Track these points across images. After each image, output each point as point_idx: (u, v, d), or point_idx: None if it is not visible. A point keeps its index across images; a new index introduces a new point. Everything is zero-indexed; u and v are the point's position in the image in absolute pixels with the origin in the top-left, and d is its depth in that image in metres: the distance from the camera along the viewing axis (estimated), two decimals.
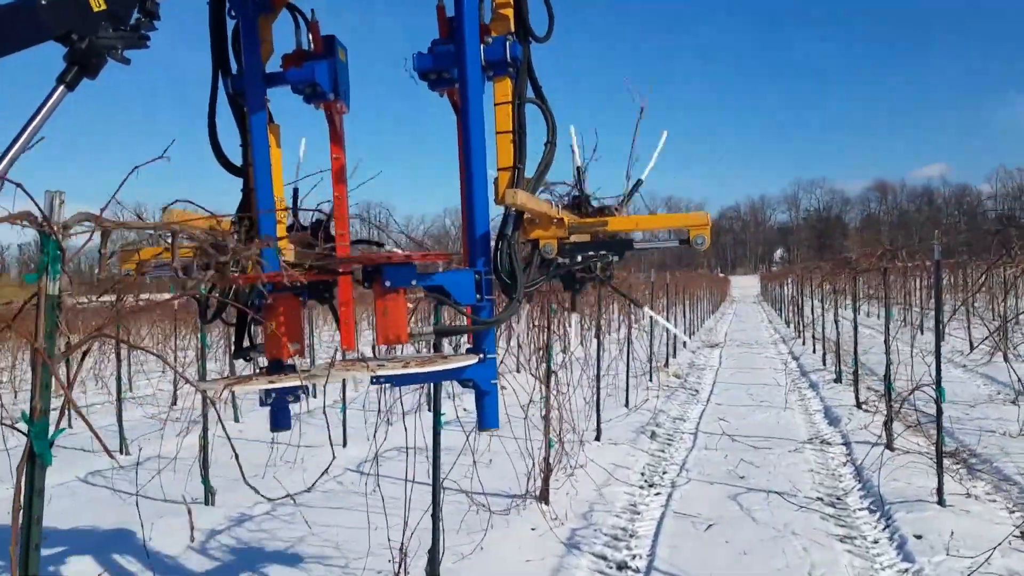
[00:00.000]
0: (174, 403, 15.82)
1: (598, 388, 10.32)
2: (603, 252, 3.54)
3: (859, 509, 7.43)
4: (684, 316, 26.76)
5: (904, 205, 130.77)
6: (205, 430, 8.22)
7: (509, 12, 3.32)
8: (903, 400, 7.86)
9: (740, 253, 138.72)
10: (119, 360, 11.86)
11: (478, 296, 3.18)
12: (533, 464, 7.50)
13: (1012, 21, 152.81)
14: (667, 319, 21.41)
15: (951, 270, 23.65)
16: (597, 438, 10.13)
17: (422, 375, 3.15)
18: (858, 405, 12.24)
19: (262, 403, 3.41)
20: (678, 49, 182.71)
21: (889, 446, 9.38)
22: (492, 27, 3.32)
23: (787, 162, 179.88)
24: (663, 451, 10.17)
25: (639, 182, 3.93)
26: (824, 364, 17.71)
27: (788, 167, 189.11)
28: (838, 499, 7.78)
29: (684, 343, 17.28)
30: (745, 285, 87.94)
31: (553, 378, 7.72)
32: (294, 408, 3.62)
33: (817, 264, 22.20)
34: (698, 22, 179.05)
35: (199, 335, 8.28)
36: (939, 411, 7.16)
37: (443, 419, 7.99)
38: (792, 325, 30.63)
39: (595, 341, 10.54)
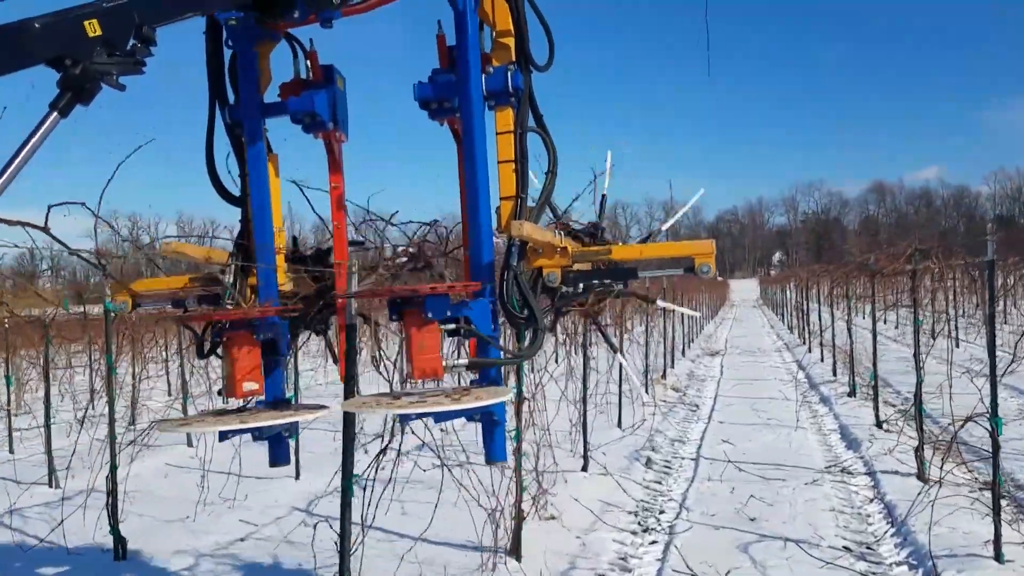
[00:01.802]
0: (132, 422, 14.54)
1: (584, 410, 9.02)
2: (607, 281, 3.50)
3: (897, 564, 6.14)
4: (682, 322, 25.39)
5: (903, 207, 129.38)
6: (113, 470, 6.90)
7: (510, 41, 3.29)
8: (954, 435, 6.53)
9: (738, 256, 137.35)
10: (47, 381, 10.51)
11: (494, 326, 3.15)
12: (502, 510, 6.20)
13: (1008, 24, 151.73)
14: (668, 325, 20.13)
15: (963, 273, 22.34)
16: (584, 467, 8.83)
17: (446, 412, 2.96)
18: (878, 424, 10.94)
19: (255, 438, 3.36)
20: (674, 49, 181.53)
21: (921, 477, 8.10)
22: (493, 56, 3.31)
23: (785, 164, 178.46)
24: (660, 482, 8.87)
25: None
26: (835, 375, 16.40)
27: (786, 169, 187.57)
28: (869, 549, 6.49)
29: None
30: (744, 289, 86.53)
31: (526, 405, 6.43)
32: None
33: (825, 267, 20.83)
34: (695, 22, 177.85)
35: (106, 357, 6.97)
36: (995, 446, 5.86)
37: (407, 446, 6.77)
38: (796, 331, 29.33)
39: (581, 355, 9.23)
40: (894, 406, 13.01)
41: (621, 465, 9.25)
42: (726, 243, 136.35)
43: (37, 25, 2.33)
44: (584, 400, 9.04)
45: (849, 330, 13.94)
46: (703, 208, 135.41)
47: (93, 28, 2.41)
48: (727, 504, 7.75)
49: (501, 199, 3.32)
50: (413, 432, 7.95)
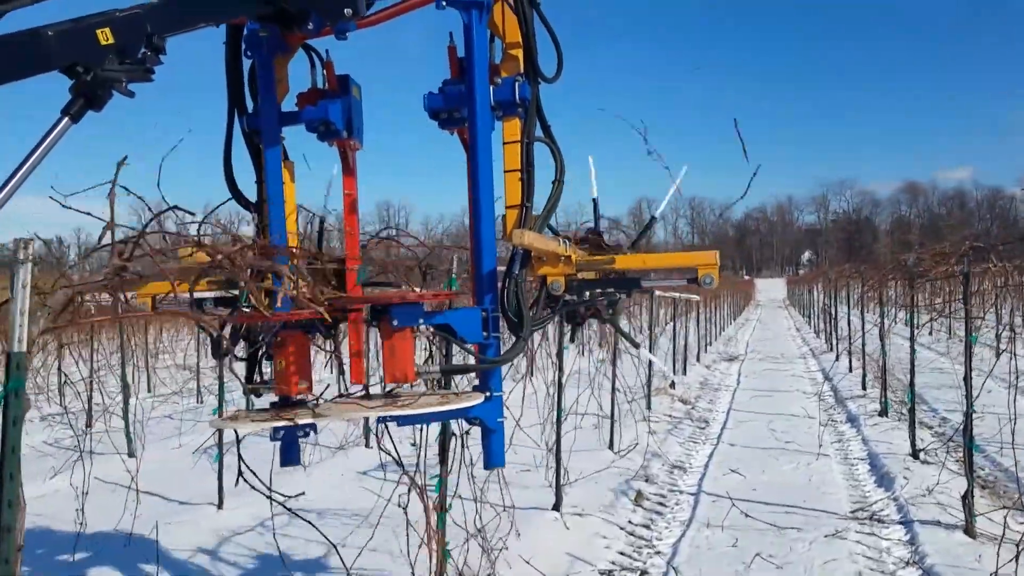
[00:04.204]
0: (88, 424, 13.21)
1: (558, 435, 7.46)
2: (611, 290, 3.53)
3: None
4: (698, 324, 23.72)
5: (935, 208, 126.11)
6: None
7: (519, 53, 3.37)
8: None
9: (766, 255, 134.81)
10: None
11: (485, 334, 3.25)
12: None
13: None
14: (680, 327, 18.57)
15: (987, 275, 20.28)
16: (556, 506, 7.29)
17: (430, 415, 3.19)
18: (914, 453, 9.31)
19: (272, 438, 3.47)
20: (704, 47, 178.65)
21: (970, 532, 6.52)
22: (502, 67, 3.38)
23: (815, 163, 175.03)
24: (649, 526, 7.32)
25: (653, 219, 3.92)
26: (864, 389, 14.70)
27: (816, 168, 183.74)
28: None
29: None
30: (770, 288, 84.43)
31: (456, 441, 4.92)
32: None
33: (857, 268, 19.06)
34: (726, 20, 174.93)
35: None
36: None
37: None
38: (823, 336, 27.53)
39: (554, 367, 7.64)
40: (930, 428, 11.38)
41: (604, 500, 7.72)
42: (754, 241, 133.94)
43: (50, 33, 2.41)
44: (558, 422, 7.50)
45: (882, 340, 12.24)
46: (731, 205, 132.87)
47: (106, 36, 2.47)
48: (727, 564, 6.20)
49: (507, 207, 3.35)
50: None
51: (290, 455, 3.58)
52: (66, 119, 2.43)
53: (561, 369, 7.54)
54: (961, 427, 7.12)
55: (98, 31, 2.46)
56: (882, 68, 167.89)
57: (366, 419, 11.27)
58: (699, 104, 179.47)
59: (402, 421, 3.24)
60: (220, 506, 7.89)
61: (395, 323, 3.05)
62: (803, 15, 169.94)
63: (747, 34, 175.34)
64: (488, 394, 3.27)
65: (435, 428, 5.17)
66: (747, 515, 7.30)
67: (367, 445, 10.71)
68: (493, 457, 3.40)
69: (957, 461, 8.84)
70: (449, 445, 4.75)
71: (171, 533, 7.35)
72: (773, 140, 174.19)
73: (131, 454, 10.83)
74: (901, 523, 7.09)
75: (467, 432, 5.04)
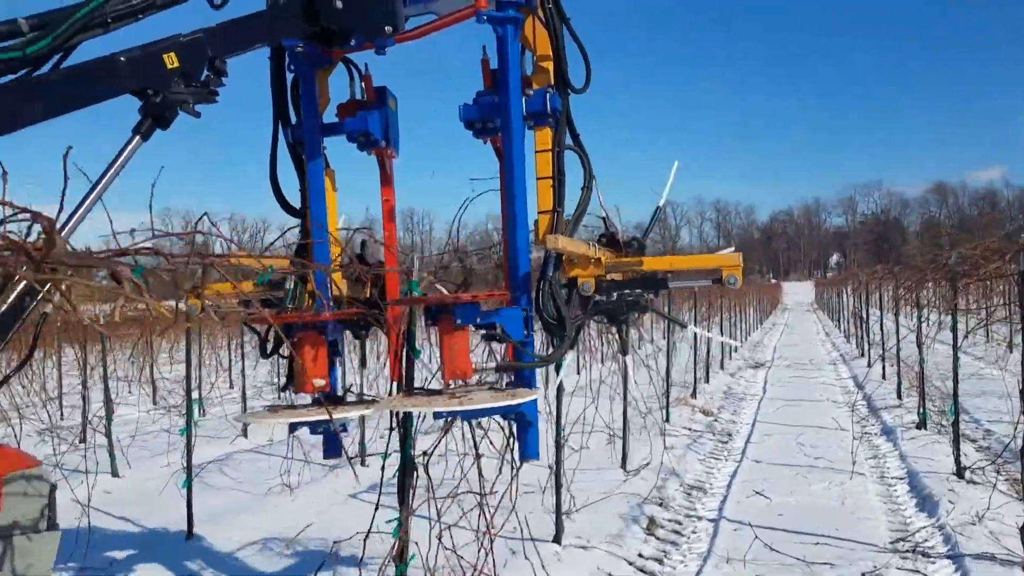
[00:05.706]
0: (83, 439, 12.59)
1: (558, 460, 6.65)
2: (639, 290, 3.60)
3: None
4: (722, 330, 22.78)
5: (965, 209, 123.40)
6: None
7: (549, 65, 3.52)
8: None
9: (793, 258, 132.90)
10: None
11: (526, 332, 3.36)
12: None
13: None
14: (706, 331, 17.74)
15: None
16: (556, 538, 6.49)
17: (485, 410, 3.20)
18: (959, 472, 8.40)
19: (312, 432, 3.59)
20: (729, 47, 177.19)
21: None
22: (533, 79, 3.54)
23: (843, 164, 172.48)
24: (662, 560, 6.50)
25: (658, 210, 4.02)
26: (900, 398, 13.73)
27: (844, 169, 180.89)
28: None
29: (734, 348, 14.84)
30: (798, 291, 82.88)
31: (422, 470, 4.15)
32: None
33: (890, 269, 18.04)
34: (751, 22, 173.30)
35: None
36: None
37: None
38: (854, 340, 26.45)
39: (553, 381, 6.84)
40: (973, 441, 10.44)
41: (612, 529, 6.92)
42: (780, 244, 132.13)
43: (123, 59, 2.61)
44: (557, 444, 6.70)
45: (920, 347, 11.30)
46: (756, 209, 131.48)
47: (171, 60, 2.66)
48: None
49: (539, 213, 3.51)
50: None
51: (332, 448, 3.77)
52: (137, 138, 2.60)
53: (560, 385, 6.73)
54: (1013, 446, 6.24)
55: (164, 56, 2.66)
56: (909, 69, 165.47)
57: (363, 435, 10.58)
58: (724, 106, 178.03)
59: (457, 416, 3.40)
60: (189, 536, 7.17)
61: (458, 322, 3.19)
62: (831, 16, 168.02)
63: (774, 35, 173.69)
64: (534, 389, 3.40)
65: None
66: (772, 548, 6.46)
67: (363, 463, 9.97)
68: (528, 449, 3.50)
69: (1007, 481, 7.95)
70: (410, 480, 3.97)
71: (129, 569, 6.66)
72: (800, 142, 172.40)
73: (115, 473, 10.19)
74: (949, 557, 6.22)
75: (427, 454, 4.28)
